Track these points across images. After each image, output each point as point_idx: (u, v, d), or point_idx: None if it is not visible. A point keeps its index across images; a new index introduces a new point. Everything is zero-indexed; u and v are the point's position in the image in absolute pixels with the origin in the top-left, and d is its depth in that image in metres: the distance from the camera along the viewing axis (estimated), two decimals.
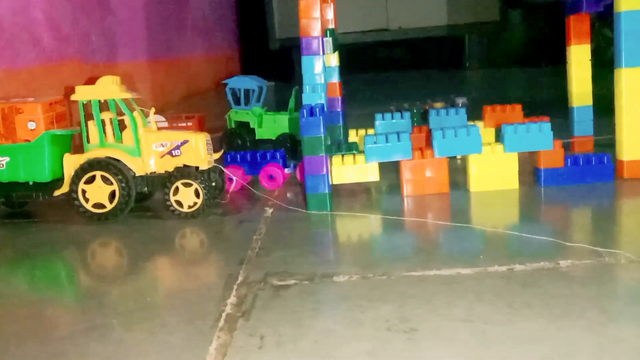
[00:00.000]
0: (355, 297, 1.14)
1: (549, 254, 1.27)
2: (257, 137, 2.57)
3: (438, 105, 3.17)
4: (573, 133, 2.23)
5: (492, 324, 1.00)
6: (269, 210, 1.75)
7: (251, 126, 2.59)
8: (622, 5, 1.74)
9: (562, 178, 1.79)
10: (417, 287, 1.17)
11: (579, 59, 2.18)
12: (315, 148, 1.69)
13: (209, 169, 1.78)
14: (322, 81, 1.83)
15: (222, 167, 1.82)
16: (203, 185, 1.71)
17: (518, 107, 2.26)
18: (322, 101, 1.78)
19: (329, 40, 2.00)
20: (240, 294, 1.19)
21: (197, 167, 1.75)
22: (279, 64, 6.89)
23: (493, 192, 1.77)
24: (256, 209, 1.78)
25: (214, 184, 1.83)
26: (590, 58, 2.19)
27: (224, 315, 1.11)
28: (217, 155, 1.85)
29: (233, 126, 2.61)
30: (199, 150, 1.75)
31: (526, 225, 1.52)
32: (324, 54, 1.85)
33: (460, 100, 3.44)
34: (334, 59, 2.15)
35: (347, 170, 1.82)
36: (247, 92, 2.59)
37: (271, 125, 2.59)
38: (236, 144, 2.56)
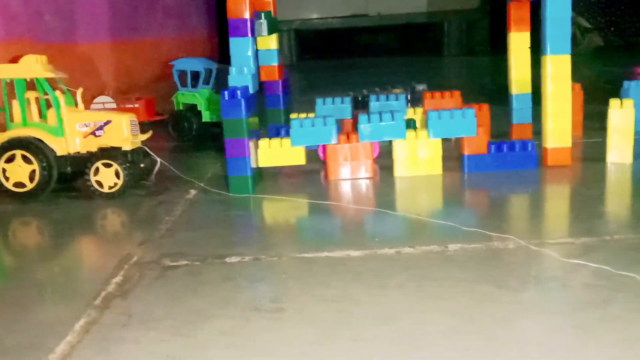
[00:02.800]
0: (238, 278, 1.15)
1: (443, 238, 1.28)
2: (203, 120, 2.57)
3: (397, 91, 3.16)
4: (512, 120, 2.23)
5: (359, 304, 1.01)
6: (193, 193, 1.76)
7: (198, 108, 2.58)
8: None
9: (485, 164, 1.79)
10: (302, 269, 1.18)
11: (518, 46, 2.18)
12: (236, 130, 1.68)
13: (133, 150, 1.77)
14: (252, 64, 1.82)
15: (147, 149, 1.82)
16: (124, 166, 1.70)
17: (457, 94, 2.26)
18: (249, 84, 1.77)
19: (263, 23, 1.99)
20: (128, 273, 1.20)
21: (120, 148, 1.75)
22: None
23: (416, 178, 1.77)
24: (180, 191, 1.78)
25: (142, 165, 1.83)
26: (529, 45, 2.19)
27: (103, 294, 1.11)
28: (144, 137, 1.84)
29: (181, 108, 2.60)
30: (121, 130, 1.75)
31: (433, 210, 1.53)
32: (253, 36, 1.84)
33: (421, 87, 3.44)
34: (272, 42, 2.14)
35: (272, 153, 1.81)
36: (195, 74, 2.58)
37: (218, 108, 2.58)
38: (182, 126, 2.55)
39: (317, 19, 6.64)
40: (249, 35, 1.81)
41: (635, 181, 1.66)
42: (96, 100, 2.70)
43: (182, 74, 2.59)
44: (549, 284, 1.04)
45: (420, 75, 4.28)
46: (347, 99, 2.23)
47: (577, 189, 1.63)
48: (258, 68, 2.19)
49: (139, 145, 1.80)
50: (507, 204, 1.56)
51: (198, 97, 2.58)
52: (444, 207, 1.57)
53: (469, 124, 1.77)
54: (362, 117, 1.79)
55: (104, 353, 0.91)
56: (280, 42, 7.82)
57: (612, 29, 5.67)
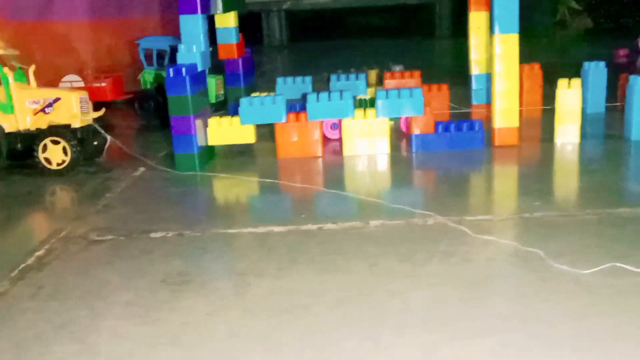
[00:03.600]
0: (156, 252, 1.17)
1: (367, 215, 1.29)
2: None
3: (373, 72, 3.17)
4: (471, 101, 2.24)
5: (263, 276, 1.03)
6: (141, 170, 1.77)
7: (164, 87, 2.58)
8: None
9: (432, 144, 1.80)
10: (222, 244, 1.20)
11: (477, 25, 2.18)
12: (181, 107, 1.69)
13: (83, 127, 1.79)
14: (202, 41, 1.82)
15: (97, 126, 1.83)
16: (71, 144, 1.72)
17: (417, 74, 2.26)
18: (197, 61, 1.78)
19: (217, 0, 1.99)
20: (52, 247, 1.22)
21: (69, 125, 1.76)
22: (247, 28, 6.86)
23: (364, 157, 1.78)
24: (130, 169, 1.79)
25: (95, 143, 1.85)
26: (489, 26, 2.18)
27: (21, 266, 1.13)
28: (95, 114, 1.85)
29: (147, 87, 2.61)
30: (71, 107, 1.76)
31: (368, 189, 1.53)
32: (205, 13, 1.84)
33: (397, 68, 3.44)
34: (231, 20, 2.14)
35: (222, 131, 1.82)
36: (161, 52, 2.59)
37: None
38: (148, 104, 2.56)
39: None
40: (199, 12, 1.82)
41: (575, 161, 1.67)
42: (64, 79, 2.71)
43: (149, 52, 2.60)
44: (452, 258, 1.06)
45: (409, 56, 4.27)
46: (308, 79, 2.23)
47: (515, 169, 1.63)
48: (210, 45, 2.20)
49: (90, 122, 1.82)
50: (440, 183, 1.57)
51: (164, 75, 2.57)
52: (379, 185, 1.59)
53: (417, 103, 1.77)
54: (311, 97, 1.80)
55: (3, 321, 0.94)
56: (271, 24, 7.73)
57: (602, 10, 5.63)
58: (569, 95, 1.77)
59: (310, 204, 1.44)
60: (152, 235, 1.26)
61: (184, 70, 1.68)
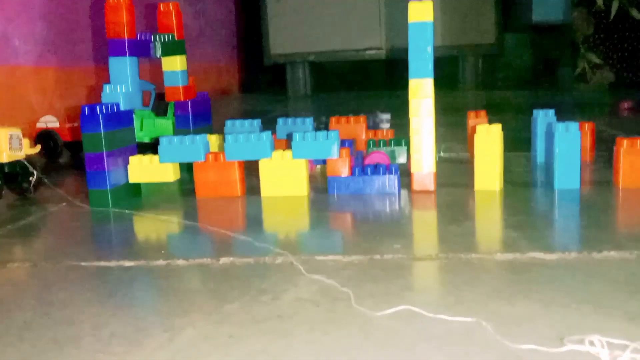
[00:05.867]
0: None
1: (224, 252, 1.27)
2: (137, 140, 2.64)
3: (360, 118, 3.17)
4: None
5: (62, 309, 1.02)
6: (61, 205, 1.80)
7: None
8: (411, 15, 1.72)
9: (348, 187, 1.77)
10: (59, 276, 1.19)
11: None
12: (94, 145, 1.73)
13: (11, 162, 1.85)
14: (129, 82, 1.88)
15: (25, 162, 1.89)
16: None
17: (362, 119, 2.25)
18: (120, 101, 1.83)
19: (156, 45, 2.05)
20: None
21: None
22: (273, 77, 7.05)
23: (279, 198, 1.77)
24: (53, 203, 1.83)
25: (31, 178, 1.91)
26: None
27: None
28: (31, 150, 1.91)
29: None
30: None
31: (252, 227, 1.53)
32: (136, 55, 1.90)
33: (384, 116, 3.46)
34: (177, 64, 2.20)
35: (142, 169, 1.85)
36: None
37: (151, 129, 2.65)
38: None
39: (331, 51, 6.71)
40: (127, 55, 1.87)
41: (473, 208, 1.61)
42: (41, 119, 2.82)
43: None
44: (265, 296, 1.02)
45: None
46: (309, 120, 2.25)
47: (410, 213, 1.58)
48: (141, 87, 2.24)
49: (19, 158, 1.88)
50: (321, 224, 1.54)
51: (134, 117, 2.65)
52: (265, 225, 1.57)
53: (331, 146, 1.76)
54: (229, 137, 1.81)
55: None
56: (295, 74, 7.86)
57: (624, 64, 5.50)
58: (487, 141, 1.72)
59: (181, 240, 1.44)
60: (9, 265, 1.27)
61: (98, 108, 1.72)
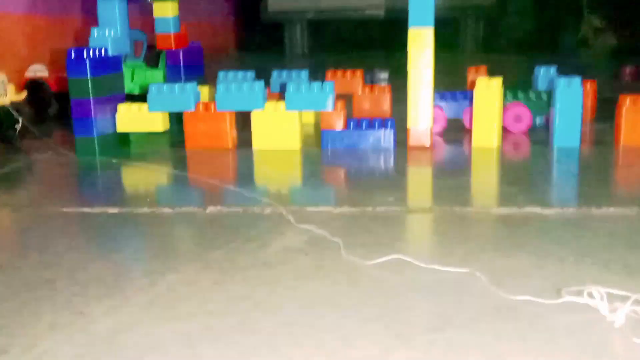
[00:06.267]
0: None
1: (212, 201, 1.23)
2: (126, 91, 2.57)
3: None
4: None
5: (52, 256, 0.99)
6: (48, 153, 1.75)
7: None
8: None
9: (343, 141, 1.73)
10: (41, 222, 1.15)
11: None
12: (81, 90, 1.67)
13: None
14: (118, 26, 1.80)
15: (10, 109, 1.83)
16: None
17: (359, 72, 2.19)
18: (108, 45, 1.76)
19: None
20: None
21: None
22: (270, 35, 6.92)
23: (271, 152, 1.72)
24: (39, 152, 1.78)
25: (17, 126, 1.85)
26: None
27: None
28: (16, 97, 1.86)
29: None
30: None
31: (242, 179, 1.50)
32: None
33: (382, 75, 3.41)
34: (169, 10, 2.12)
35: (131, 118, 1.79)
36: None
37: (142, 80, 2.58)
38: None
39: (330, 9, 6.58)
40: None
41: (468, 164, 1.57)
42: (30, 68, 2.74)
43: None
44: (252, 244, 0.98)
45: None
46: (304, 72, 2.16)
47: (405, 168, 1.54)
48: (132, 36, 2.17)
49: (3, 105, 1.82)
50: (314, 178, 1.50)
51: (124, 68, 2.58)
52: (255, 177, 1.53)
53: (325, 98, 1.70)
54: (220, 87, 1.75)
55: None
56: (294, 33, 7.74)
57: (627, 29, 5.40)
58: (487, 96, 1.67)
59: (169, 190, 1.40)
60: None
61: (85, 53, 1.66)
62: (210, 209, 1.18)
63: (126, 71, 2.55)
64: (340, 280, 0.84)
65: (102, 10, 1.81)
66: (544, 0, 6.27)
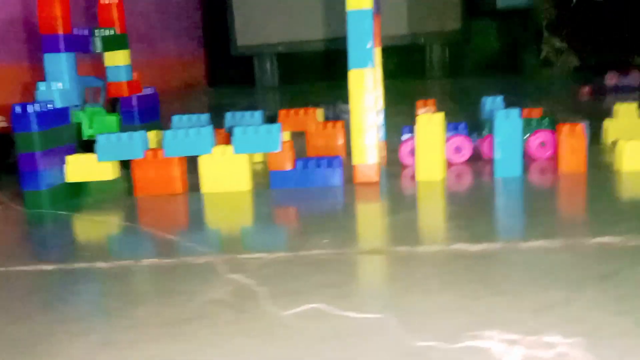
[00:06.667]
0: None
1: (147, 253, 1.24)
2: (84, 137, 2.58)
3: (319, 110, 3.14)
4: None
5: None
6: None
7: (82, 126, 2.60)
8: (349, 4, 1.69)
9: (290, 181, 1.75)
10: None
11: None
12: (26, 144, 1.68)
13: None
14: (66, 79, 1.82)
15: None
16: None
17: (312, 111, 2.22)
18: (56, 98, 1.78)
19: (96, 40, 2.00)
20: None
21: None
22: (241, 69, 6.97)
23: (221, 194, 1.73)
24: None
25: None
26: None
27: None
28: None
29: None
30: None
31: (180, 226, 1.52)
32: (70, 50, 1.84)
33: (345, 107, 3.45)
34: (120, 58, 2.14)
35: (80, 168, 1.80)
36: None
37: (101, 126, 2.59)
38: None
39: (299, 42, 6.65)
40: (62, 50, 1.82)
41: (414, 199, 1.59)
42: None
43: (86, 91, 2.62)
44: (179, 297, 0.99)
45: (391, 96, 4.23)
46: (258, 113, 2.18)
47: (349, 206, 1.57)
48: (89, 83, 2.21)
49: None
50: (264, 221, 1.51)
51: (83, 114, 2.59)
52: (200, 223, 1.54)
53: (273, 140, 1.73)
54: (167, 133, 1.77)
55: None
56: (263, 66, 7.76)
57: (588, 47, 5.52)
58: (428, 130, 1.70)
59: (107, 243, 1.41)
60: None
61: (29, 107, 1.67)
62: (145, 262, 1.20)
63: (84, 118, 2.57)
64: (255, 333, 0.85)
65: (48, 63, 1.83)
66: (507, 23, 6.39)
